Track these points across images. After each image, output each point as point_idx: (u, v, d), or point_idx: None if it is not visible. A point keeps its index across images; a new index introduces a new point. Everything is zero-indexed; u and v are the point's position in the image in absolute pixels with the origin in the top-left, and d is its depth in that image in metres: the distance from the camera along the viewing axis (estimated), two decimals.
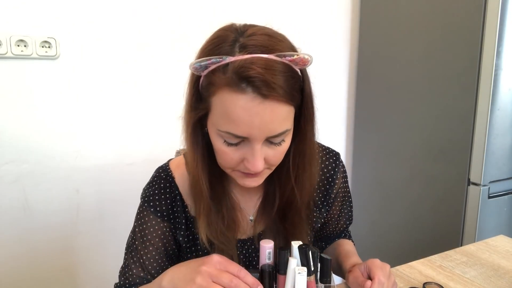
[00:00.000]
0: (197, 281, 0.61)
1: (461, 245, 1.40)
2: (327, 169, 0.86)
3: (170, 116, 1.63)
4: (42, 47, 1.37)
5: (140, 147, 1.59)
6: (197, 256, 0.81)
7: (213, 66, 0.61)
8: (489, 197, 1.51)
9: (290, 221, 0.79)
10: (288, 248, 0.69)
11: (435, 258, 1.00)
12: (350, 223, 0.98)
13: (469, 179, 1.52)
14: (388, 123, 1.85)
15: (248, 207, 0.83)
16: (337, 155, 0.89)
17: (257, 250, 0.82)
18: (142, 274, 0.80)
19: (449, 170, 1.58)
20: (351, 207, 0.96)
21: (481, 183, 1.48)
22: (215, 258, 0.64)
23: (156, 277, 0.72)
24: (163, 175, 0.81)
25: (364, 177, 2.02)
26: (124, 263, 0.82)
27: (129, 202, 1.58)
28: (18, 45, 1.33)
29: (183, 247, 0.82)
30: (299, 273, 0.65)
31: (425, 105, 1.66)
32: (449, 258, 1.00)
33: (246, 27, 0.65)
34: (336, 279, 0.73)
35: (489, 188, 1.49)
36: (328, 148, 0.89)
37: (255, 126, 0.61)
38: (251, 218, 0.82)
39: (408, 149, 1.76)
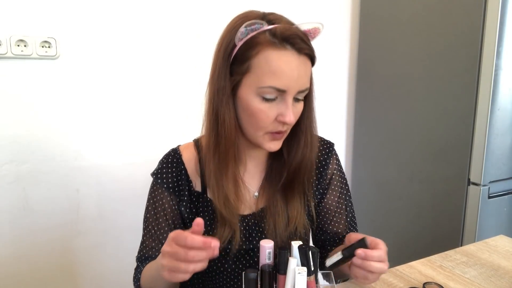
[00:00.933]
0: (164, 264, 0.64)
1: (461, 245, 1.40)
2: (321, 153, 0.93)
3: (170, 116, 1.63)
4: (42, 47, 1.37)
5: (140, 147, 1.59)
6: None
7: (253, 33, 0.73)
8: (489, 197, 1.51)
9: (292, 194, 0.85)
10: (288, 248, 0.69)
11: (435, 258, 1.00)
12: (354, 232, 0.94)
13: (469, 179, 1.52)
14: (388, 123, 1.85)
15: (253, 183, 0.88)
16: (330, 142, 0.96)
17: (257, 225, 0.86)
18: (153, 244, 0.86)
19: (449, 170, 1.58)
20: (352, 209, 0.95)
21: (481, 183, 1.48)
22: (170, 235, 0.64)
23: None
24: (172, 153, 0.90)
25: (364, 177, 2.02)
26: (142, 238, 0.89)
27: (129, 202, 1.59)
28: (18, 45, 1.33)
29: (186, 218, 0.86)
30: (299, 273, 0.65)
31: (425, 105, 1.66)
32: (449, 258, 1.00)
33: (261, 12, 0.78)
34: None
35: (489, 188, 1.49)
36: (322, 137, 0.95)
37: (294, 78, 0.73)
38: (256, 194, 0.88)
39: (408, 149, 1.76)
